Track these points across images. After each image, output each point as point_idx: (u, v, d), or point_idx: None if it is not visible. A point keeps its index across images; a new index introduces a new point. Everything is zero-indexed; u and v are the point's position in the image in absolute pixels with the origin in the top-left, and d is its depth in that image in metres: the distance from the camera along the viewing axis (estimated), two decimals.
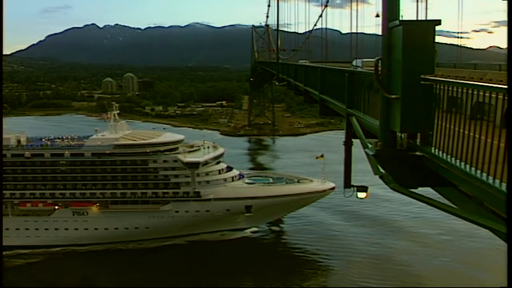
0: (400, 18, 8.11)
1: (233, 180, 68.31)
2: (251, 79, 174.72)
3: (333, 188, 64.12)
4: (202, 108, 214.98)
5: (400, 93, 7.84)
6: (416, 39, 7.63)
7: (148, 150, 65.58)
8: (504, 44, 7.06)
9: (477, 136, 6.44)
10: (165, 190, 65.67)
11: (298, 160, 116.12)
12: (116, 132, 70.17)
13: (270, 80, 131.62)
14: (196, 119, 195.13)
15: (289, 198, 65.54)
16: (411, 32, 7.63)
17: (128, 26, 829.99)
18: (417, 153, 8.30)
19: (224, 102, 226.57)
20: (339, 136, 15.61)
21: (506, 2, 6.37)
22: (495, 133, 6.13)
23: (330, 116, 21.75)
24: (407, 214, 71.75)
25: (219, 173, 67.53)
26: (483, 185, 6.15)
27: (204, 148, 70.08)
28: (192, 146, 70.90)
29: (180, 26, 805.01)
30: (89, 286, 56.73)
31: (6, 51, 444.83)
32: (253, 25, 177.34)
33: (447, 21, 9.24)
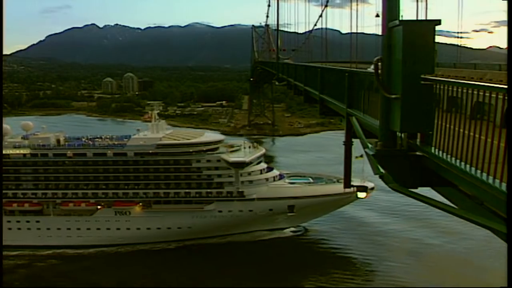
0: (400, 18, 8.11)
1: (274, 180, 68.57)
2: (251, 79, 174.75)
3: (372, 188, 62.08)
4: (202, 108, 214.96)
5: (400, 93, 7.83)
6: (416, 39, 7.62)
7: (191, 150, 65.66)
8: (504, 44, 7.06)
9: (477, 136, 6.44)
10: (208, 190, 65.77)
11: (315, 158, 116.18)
12: (157, 131, 70.34)
13: (270, 80, 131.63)
14: (196, 119, 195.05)
15: (331, 198, 65.41)
16: (411, 32, 7.62)
17: (128, 26, 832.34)
18: (417, 153, 8.29)
19: (224, 102, 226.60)
20: (340, 135, 15.63)
21: (506, 2, 6.37)
22: (495, 133, 6.14)
23: (330, 116, 21.75)
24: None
25: (261, 173, 67.84)
26: (483, 185, 6.15)
27: (244, 148, 70.56)
28: (231, 146, 71.28)
29: (180, 26, 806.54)
30: (113, 286, 56.73)
31: (6, 51, 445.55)
32: (253, 25, 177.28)
33: (447, 21, 9.22)
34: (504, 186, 5.67)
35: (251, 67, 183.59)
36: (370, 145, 9.52)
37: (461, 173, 6.80)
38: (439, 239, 65.72)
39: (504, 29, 6.56)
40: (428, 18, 15.02)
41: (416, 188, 8.51)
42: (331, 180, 70.28)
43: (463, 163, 6.76)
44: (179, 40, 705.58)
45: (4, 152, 66.76)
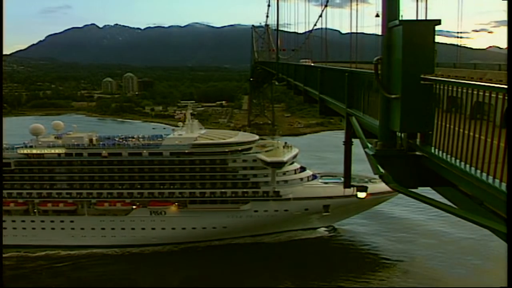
0: (400, 18, 8.10)
1: (308, 180, 68.83)
2: (251, 79, 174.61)
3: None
4: (202, 108, 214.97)
5: (400, 93, 7.82)
6: (416, 39, 7.61)
7: (227, 150, 65.93)
8: (504, 44, 7.06)
9: (477, 136, 6.43)
10: (244, 190, 66.00)
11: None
12: (192, 131, 70.76)
13: (270, 80, 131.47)
14: (196, 119, 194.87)
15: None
16: (411, 32, 7.61)
17: (128, 26, 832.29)
18: (417, 153, 8.28)
19: (224, 102, 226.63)
20: (342, 136, 15.62)
21: (506, 2, 6.36)
22: (495, 133, 6.13)
23: (330, 116, 21.73)
24: None
25: (295, 173, 68.11)
26: (483, 184, 6.14)
27: (277, 147, 70.95)
28: (263, 146, 71.67)
29: (180, 26, 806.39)
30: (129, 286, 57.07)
31: (6, 51, 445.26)
32: (253, 25, 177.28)
33: (447, 21, 9.22)
34: (504, 186, 5.66)
35: (251, 67, 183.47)
36: (370, 145, 9.51)
37: (461, 173, 6.78)
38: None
39: (504, 29, 6.56)
40: (428, 18, 15.04)
41: (416, 188, 8.50)
42: (363, 179, 70.54)
43: (463, 163, 6.74)
44: (179, 40, 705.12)
45: (38, 151, 67.45)
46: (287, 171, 67.10)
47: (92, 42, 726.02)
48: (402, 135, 8.46)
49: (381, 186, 66.78)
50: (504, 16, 6.32)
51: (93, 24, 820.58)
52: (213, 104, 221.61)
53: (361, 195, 14.45)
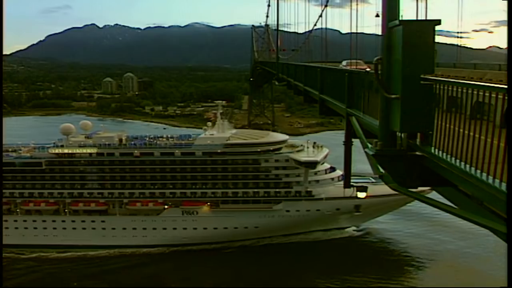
0: (400, 18, 8.10)
1: (338, 180, 68.69)
2: (251, 79, 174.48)
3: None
4: (202, 108, 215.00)
5: (400, 93, 7.82)
6: (416, 39, 7.61)
7: (259, 150, 65.98)
8: (504, 44, 7.05)
9: (477, 136, 6.43)
10: (277, 190, 66.06)
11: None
12: (223, 131, 70.82)
13: (270, 80, 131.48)
14: (196, 119, 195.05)
15: (394, 198, 64.50)
16: (411, 32, 7.61)
17: (128, 26, 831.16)
18: (417, 153, 8.28)
19: (224, 102, 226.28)
20: (343, 135, 15.58)
21: (506, 2, 6.36)
22: (495, 133, 6.13)
23: (330, 116, 21.75)
24: None
25: (325, 173, 68.24)
26: (483, 185, 6.13)
27: (307, 147, 70.99)
28: (293, 146, 71.73)
29: (180, 26, 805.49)
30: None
31: (6, 51, 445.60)
32: (253, 25, 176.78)
33: (447, 21, 9.22)
34: (504, 186, 5.66)
35: (251, 67, 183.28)
36: (370, 145, 9.51)
37: (461, 173, 6.78)
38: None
39: (504, 29, 6.56)
40: (428, 18, 15.00)
41: (416, 188, 8.50)
42: None
43: (463, 163, 6.74)
44: (179, 40, 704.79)
45: (69, 151, 67.52)
46: (318, 171, 67.25)
47: (92, 42, 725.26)
48: (402, 135, 8.46)
49: None
50: (504, 16, 6.32)
51: (93, 24, 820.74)
52: (213, 104, 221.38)
53: (361, 195, 14.44)
